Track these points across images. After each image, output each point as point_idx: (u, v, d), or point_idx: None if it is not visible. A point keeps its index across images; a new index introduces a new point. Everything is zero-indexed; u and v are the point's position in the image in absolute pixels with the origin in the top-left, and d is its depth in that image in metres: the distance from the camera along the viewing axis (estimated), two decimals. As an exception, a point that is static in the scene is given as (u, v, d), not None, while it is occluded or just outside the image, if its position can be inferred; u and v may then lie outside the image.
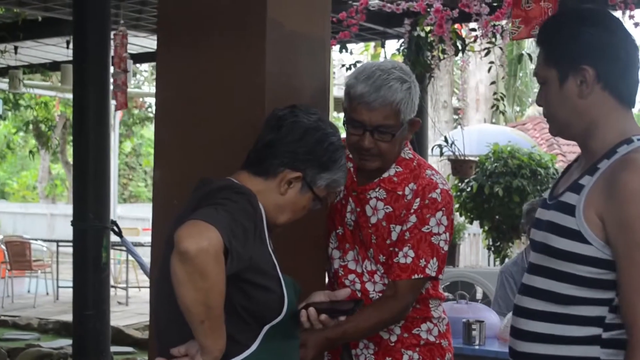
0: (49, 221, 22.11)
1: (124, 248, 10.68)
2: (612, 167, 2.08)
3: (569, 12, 2.27)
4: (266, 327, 2.19)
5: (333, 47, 7.32)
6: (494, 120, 17.40)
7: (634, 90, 2.19)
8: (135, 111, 23.05)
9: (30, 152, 15.40)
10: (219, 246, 2.00)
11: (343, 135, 2.58)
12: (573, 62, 2.15)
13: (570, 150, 16.88)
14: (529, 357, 2.20)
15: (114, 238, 6.22)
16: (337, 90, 11.95)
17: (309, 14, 2.81)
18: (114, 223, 6.00)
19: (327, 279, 2.92)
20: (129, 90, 8.06)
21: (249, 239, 2.12)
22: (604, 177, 2.08)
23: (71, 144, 8.07)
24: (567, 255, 2.11)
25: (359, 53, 15.86)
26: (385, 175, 2.77)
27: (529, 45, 17.19)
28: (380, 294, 2.76)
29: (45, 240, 14.78)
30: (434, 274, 2.70)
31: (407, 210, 2.71)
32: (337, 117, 14.64)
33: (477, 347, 4.41)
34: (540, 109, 2.30)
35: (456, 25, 7.27)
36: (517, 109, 23.34)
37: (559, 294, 2.13)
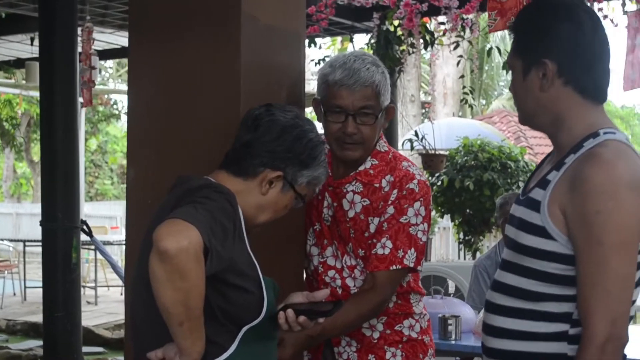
0: (14, 220, 21.85)
1: (92, 247, 10.60)
2: (576, 162, 2.07)
3: (543, 4, 2.27)
4: (244, 329, 2.16)
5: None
6: (461, 114, 17.48)
7: (602, 84, 2.18)
8: (101, 108, 22.87)
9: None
10: (199, 245, 1.96)
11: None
12: (536, 54, 2.15)
13: (537, 143, 17.01)
14: (498, 353, 2.20)
15: (83, 237, 6.14)
16: (307, 86, 11.91)
17: (284, 8, 2.78)
18: (84, 223, 5.93)
19: (304, 277, 2.89)
20: (94, 87, 7.97)
21: (228, 239, 2.08)
22: (569, 171, 2.08)
23: (36, 142, 7.93)
24: (533, 252, 2.11)
25: (326, 48, 15.84)
26: (362, 168, 2.75)
27: (495, 39, 17.28)
28: None
29: (11, 240, 14.59)
30: (412, 265, 2.67)
31: (385, 201, 2.70)
32: (307, 113, 14.59)
33: (453, 342, 4.40)
34: (506, 102, 2.30)
35: (424, 19, 7.26)
36: (484, 102, 23.48)
37: (527, 291, 2.13)
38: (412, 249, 2.68)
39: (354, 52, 2.73)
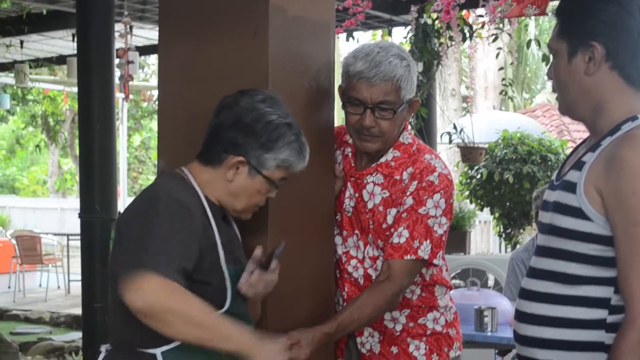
0: (59, 215, 22.15)
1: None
2: (613, 143, 2.06)
3: None
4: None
5: (340, 35, 7.27)
6: (502, 108, 17.34)
7: None
8: (144, 104, 23.03)
9: (37, 146, 15.39)
10: (165, 286, 2.02)
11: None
12: (584, 37, 2.13)
13: (581, 137, 16.80)
14: (532, 341, 2.17)
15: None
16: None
17: (312, -2, 2.77)
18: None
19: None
20: (137, 83, 8.04)
21: (193, 245, 2.15)
22: (605, 152, 2.06)
23: (79, 137, 8.02)
24: (570, 234, 2.09)
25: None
26: (383, 160, 2.73)
27: (535, 31, 17.10)
28: None
29: (55, 234, 14.79)
30: (426, 257, 2.63)
31: (403, 193, 2.67)
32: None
33: (489, 333, 4.38)
34: (550, 96, 2.28)
35: (464, 12, 7.21)
36: (526, 96, 23.27)
37: (564, 274, 2.11)
38: (428, 241, 2.63)
39: (380, 42, 2.69)
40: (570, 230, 2.09)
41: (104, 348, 2.32)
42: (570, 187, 2.10)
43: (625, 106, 2.12)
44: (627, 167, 1.99)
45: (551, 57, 2.24)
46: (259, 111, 2.29)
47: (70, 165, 27.59)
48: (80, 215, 5.95)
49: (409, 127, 2.84)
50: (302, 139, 2.35)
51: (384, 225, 2.70)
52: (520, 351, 2.23)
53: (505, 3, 5.63)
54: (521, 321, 2.22)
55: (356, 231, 2.77)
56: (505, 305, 4.62)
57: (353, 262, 2.78)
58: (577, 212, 2.07)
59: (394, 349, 2.78)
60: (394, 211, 2.68)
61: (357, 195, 2.76)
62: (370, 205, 2.73)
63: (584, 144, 2.25)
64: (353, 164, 2.79)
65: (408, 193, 2.66)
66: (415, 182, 2.67)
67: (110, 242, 5.74)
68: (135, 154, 28.75)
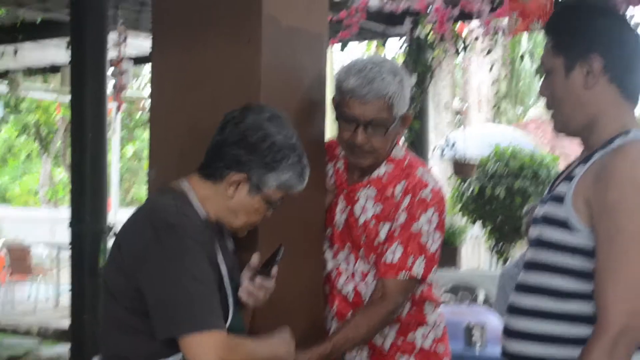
0: (50, 226, 22.06)
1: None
2: (604, 156, 2.05)
3: (579, 3, 2.24)
4: None
5: (333, 45, 7.27)
6: (496, 121, 17.36)
7: (639, 86, 2.16)
8: (137, 114, 23.01)
9: (28, 155, 15.36)
10: (226, 342, 2.07)
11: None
12: (581, 50, 2.12)
13: (576, 150, 16.78)
14: (520, 358, 2.15)
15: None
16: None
17: (306, 10, 2.77)
18: (112, 226, 5.97)
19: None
20: (130, 93, 8.01)
21: (214, 282, 2.18)
22: (595, 164, 2.06)
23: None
24: (557, 246, 2.08)
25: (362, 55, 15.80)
26: (375, 174, 2.72)
27: (529, 45, 17.13)
28: None
29: (46, 245, 14.71)
30: (420, 274, 2.62)
31: (396, 208, 2.66)
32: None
33: (478, 350, 4.35)
34: (543, 110, 2.27)
35: (458, 25, 7.23)
36: (520, 109, 23.30)
37: (551, 289, 2.09)
38: (422, 256, 2.62)
39: (373, 57, 2.67)
40: (557, 242, 2.08)
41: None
42: (559, 199, 2.09)
43: (619, 121, 2.11)
44: (616, 176, 1.98)
45: (543, 74, 2.22)
46: (265, 130, 2.28)
47: (63, 175, 27.52)
48: (71, 225, 5.92)
49: (402, 140, 2.83)
50: (304, 160, 2.34)
51: (377, 240, 2.68)
52: (508, 368, 2.20)
53: (510, 18, 5.65)
54: (508, 337, 2.20)
55: (347, 245, 2.75)
56: (495, 322, 4.61)
57: (343, 277, 2.76)
58: (563, 224, 2.06)
59: None
60: (386, 226, 2.67)
61: (349, 209, 2.75)
62: (362, 219, 2.71)
63: (577, 159, 2.24)
64: (345, 178, 2.77)
65: (401, 209, 2.65)
66: (408, 198, 2.65)
67: (100, 253, 5.72)
68: (129, 165, 28.69)
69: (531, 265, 2.17)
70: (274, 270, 2.34)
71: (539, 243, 2.14)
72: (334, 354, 2.58)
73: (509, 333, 2.20)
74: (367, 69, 2.59)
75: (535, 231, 2.19)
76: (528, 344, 2.13)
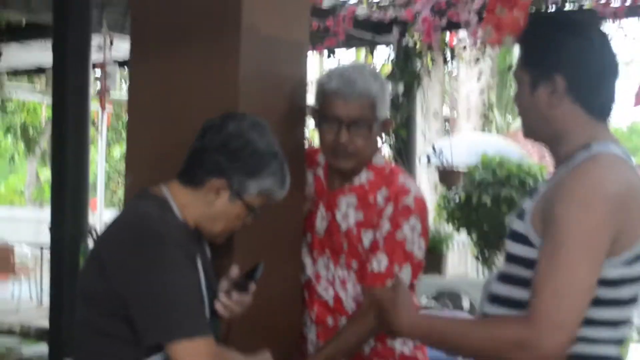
0: (35, 226, 21.97)
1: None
2: (566, 174, 2.04)
3: (553, 18, 2.24)
4: None
5: (321, 52, 7.26)
6: (485, 129, 17.39)
7: (608, 101, 2.14)
8: (125, 116, 22.96)
9: (12, 157, 15.32)
10: (214, 349, 2.10)
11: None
12: (546, 70, 2.11)
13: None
14: None
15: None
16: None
17: (286, 18, 2.76)
18: (92, 229, 5.95)
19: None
20: (119, 96, 7.98)
21: (196, 278, 2.20)
22: (556, 181, 2.06)
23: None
24: (519, 260, 2.07)
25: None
26: (356, 181, 2.72)
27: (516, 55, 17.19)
28: (353, 301, 2.71)
29: (29, 245, 14.65)
30: (407, 281, 2.63)
31: (379, 216, 2.66)
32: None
33: (458, 358, 4.33)
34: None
35: (448, 34, 7.23)
36: (510, 118, 23.36)
37: (516, 300, 2.07)
38: (408, 263, 2.64)
39: (354, 63, 2.71)
40: (519, 256, 2.07)
41: None
42: (520, 216, 2.10)
43: (584, 136, 2.10)
44: (569, 195, 1.97)
45: (516, 83, 2.22)
46: (247, 138, 2.28)
47: (49, 175, 27.41)
48: (51, 228, 5.88)
49: (386, 148, 2.85)
50: (285, 168, 2.34)
51: (359, 247, 2.69)
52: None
53: (484, 30, 5.65)
54: None
55: (327, 252, 2.75)
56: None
57: (323, 283, 2.76)
58: (523, 239, 2.06)
59: None
60: (369, 233, 2.67)
61: (330, 215, 2.74)
62: (344, 226, 2.71)
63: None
64: (325, 185, 2.76)
65: (385, 217, 2.66)
66: (391, 206, 2.66)
67: (79, 257, 5.68)
68: (115, 167, 28.61)
69: (500, 277, 2.17)
70: (252, 286, 2.33)
71: (507, 256, 2.15)
72: None
73: None
74: (348, 71, 2.65)
75: (506, 244, 2.20)
76: None
